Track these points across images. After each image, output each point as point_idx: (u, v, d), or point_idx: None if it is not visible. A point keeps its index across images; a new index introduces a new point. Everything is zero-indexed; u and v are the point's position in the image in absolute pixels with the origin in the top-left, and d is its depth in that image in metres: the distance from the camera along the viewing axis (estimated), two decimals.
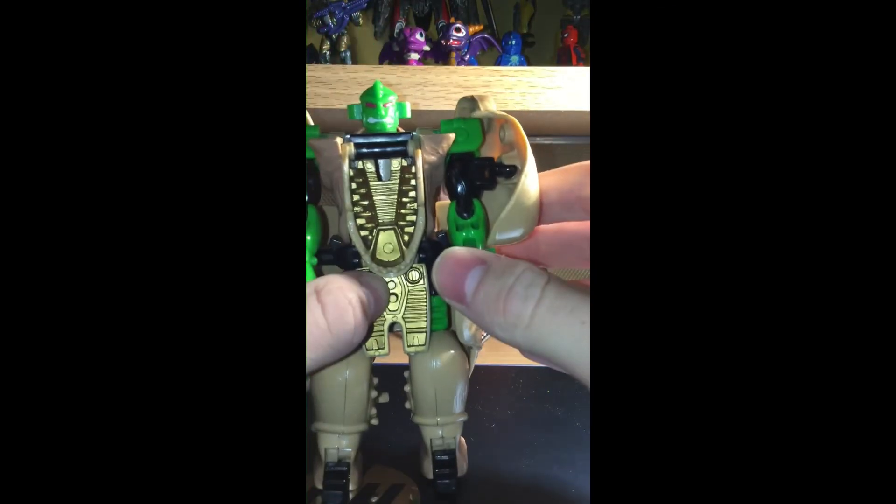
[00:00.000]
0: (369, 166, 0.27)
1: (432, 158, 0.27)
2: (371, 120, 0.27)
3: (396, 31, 0.76)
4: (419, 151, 0.26)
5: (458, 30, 0.68)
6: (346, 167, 0.26)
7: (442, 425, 0.30)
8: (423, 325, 0.28)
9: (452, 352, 0.29)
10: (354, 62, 0.74)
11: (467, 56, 0.70)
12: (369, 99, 0.27)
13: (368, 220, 0.27)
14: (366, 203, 0.27)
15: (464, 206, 0.27)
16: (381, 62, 0.72)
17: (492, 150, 0.29)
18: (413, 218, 0.27)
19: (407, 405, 0.31)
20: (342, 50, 0.72)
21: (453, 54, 0.69)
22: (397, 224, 0.27)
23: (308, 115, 0.28)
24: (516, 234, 0.27)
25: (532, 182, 0.26)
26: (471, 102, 0.29)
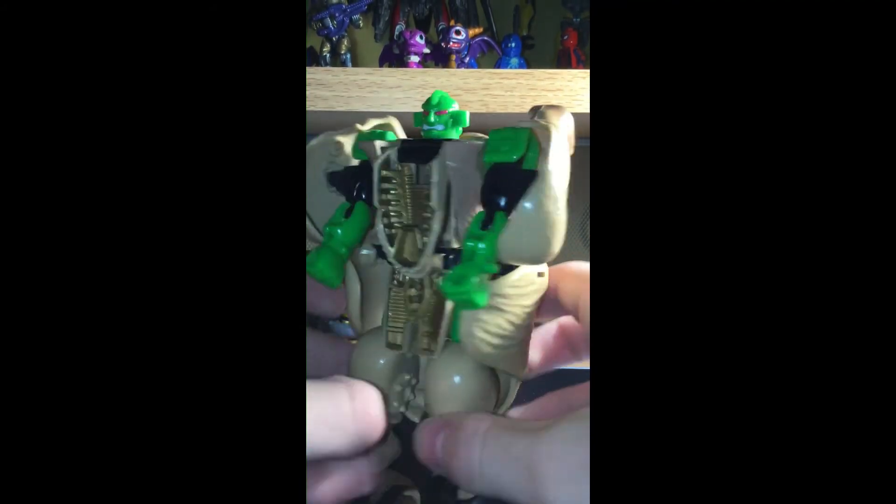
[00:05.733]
0: (407, 170, 0.28)
1: (455, 165, 0.28)
2: (425, 127, 0.29)
3: (396, 33, 0.76)
4: (438, 158, 0.27)
5: (457, 32, 0.68)
6: (376, 168, 0.28)
7: None
8: (434, 328, 0.28)
9: (471, 367, 0.27)
10: (355, 65, 0.74)
11: (467, 58, 0.70)
12: (424, 107, 0.29)
13: (397, 219, 0.28)
14: (396, 203, 0.28)
15: (487, 217, 0.26)
16: (381, 65, 0.72)
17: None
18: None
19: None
20: (342, 52, 0.72)
21: (453, 57, 0.69)
22: (420, 227, 0.28)
23: (359, 124, 0.30)
24: (527, 255, 0.25)
25: (553, 192, 0.23)
26: (535, 111, 0.27)
